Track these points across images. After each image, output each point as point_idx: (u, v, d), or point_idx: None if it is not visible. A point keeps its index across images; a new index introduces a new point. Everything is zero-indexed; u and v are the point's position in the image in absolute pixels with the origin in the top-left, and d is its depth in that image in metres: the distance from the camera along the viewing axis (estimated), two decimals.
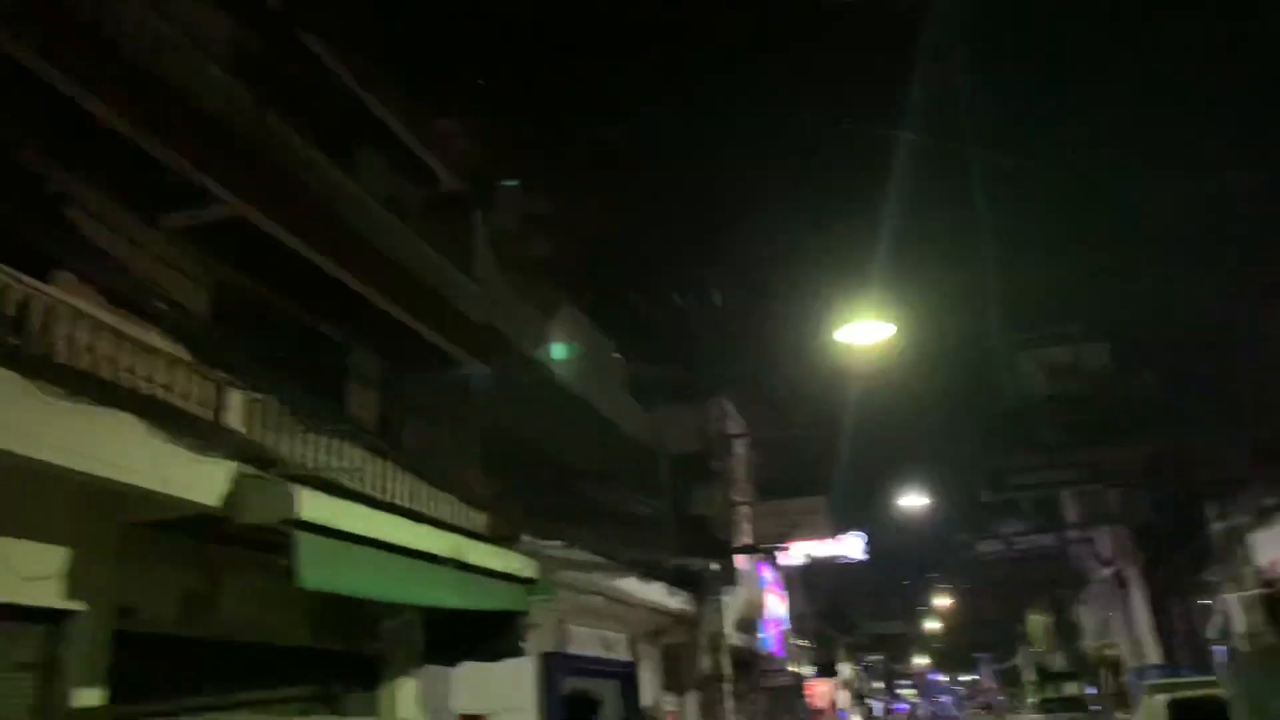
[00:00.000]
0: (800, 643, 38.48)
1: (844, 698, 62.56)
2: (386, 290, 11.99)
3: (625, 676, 21.75)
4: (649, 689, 22.39)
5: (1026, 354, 21.66)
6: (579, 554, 16.12)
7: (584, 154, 19.59)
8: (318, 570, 8.29)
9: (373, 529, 9.37)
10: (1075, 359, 20.71)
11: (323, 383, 12.08)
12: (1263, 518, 16.83)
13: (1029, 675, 57.67)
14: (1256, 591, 17.37)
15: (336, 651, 11.47)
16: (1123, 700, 36.58)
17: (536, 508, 14.77)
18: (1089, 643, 37.45)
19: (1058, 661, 47.78)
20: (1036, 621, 53.86)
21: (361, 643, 11.62)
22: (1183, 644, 24.52)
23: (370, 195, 12.54)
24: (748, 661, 29.69)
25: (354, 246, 11.49)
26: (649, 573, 20.27)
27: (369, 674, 12.39)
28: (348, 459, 10.05)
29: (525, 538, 13.35)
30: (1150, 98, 15.40)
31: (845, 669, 60.46)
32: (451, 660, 13.23)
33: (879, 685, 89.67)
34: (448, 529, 11.24)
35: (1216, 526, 18.20)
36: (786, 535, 23.47)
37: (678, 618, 22.28)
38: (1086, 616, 36.25)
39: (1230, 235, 16.78)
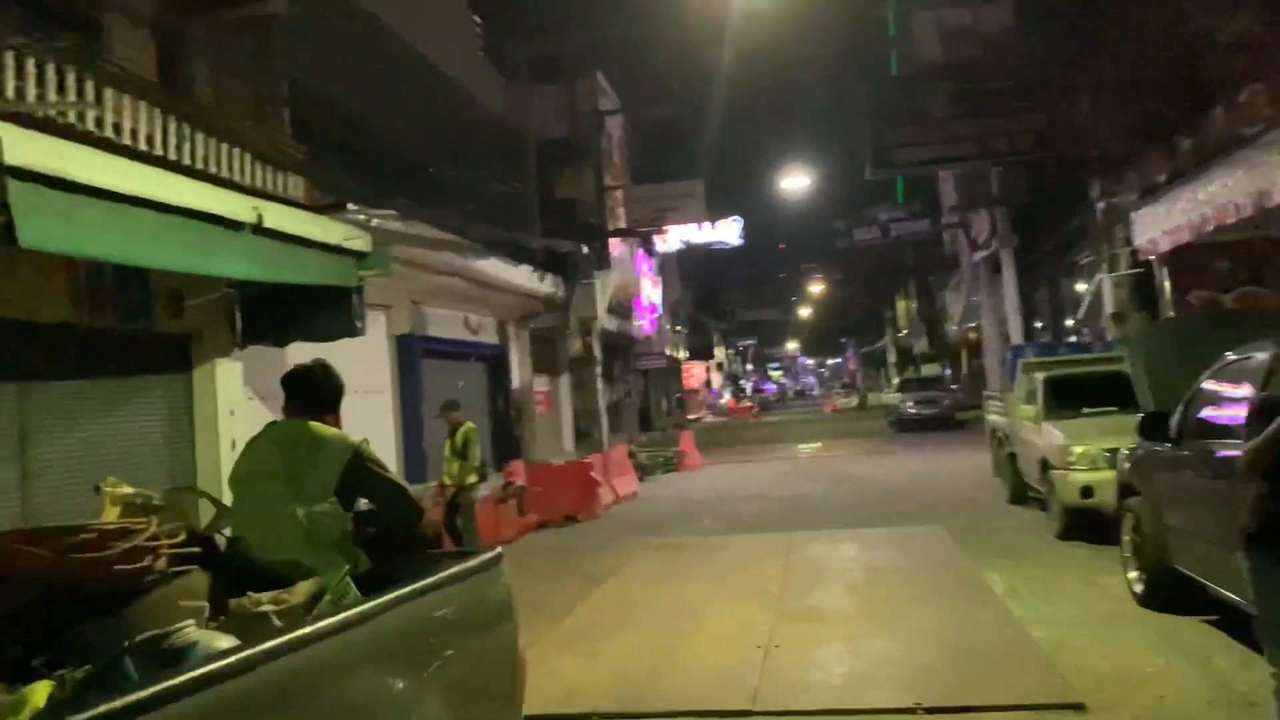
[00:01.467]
0: (676, 328, 38.78)
1: (717, 379, 65.34)
2: None
3: (493, 360, 21.04)
4: (518, 372, 21.82)
5: (922, 15, 19.81)
6: (428, 231, 14.49)
7: None
8: (46, 226, 6.50)
9: (136, 185, 7.46)
10: (974, 22, 18.98)
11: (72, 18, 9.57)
12: (1146, 196, 16.25)
13: (892, 357, 60.89)
14: (1130, 271, 17.20)
15: (137, 333, 9.91)
16: (980, 379, 38.73)
17: (373, 177, 12.89)
18: (952, 326, 38.81)
19: (921, 344, 50.11)
20: (904, 307, 55.99)
21: (159, 322, 10.03)
22: (1048, 325, 25.16)
23: None
24: (623, 345, 29.58)
25: None
26: (514, 255, 18.94)
27: (180, 357, 11.00)
28: (111, 110, 7.93)
29: (353, 208, 11.59)
30: None
31: (719, 353, 62.62)
32: (279, 341, 11.84)
33: (751, 368, 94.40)
34: (249, 193, 9.37)
35: (1099, 205, 17.70)
36: (661, 219, 22.24)
37: (548, 302, 21.30)
38: (953, 301, 37.25)
39: None
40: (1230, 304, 17.16)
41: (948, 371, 45.15)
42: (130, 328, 9.73)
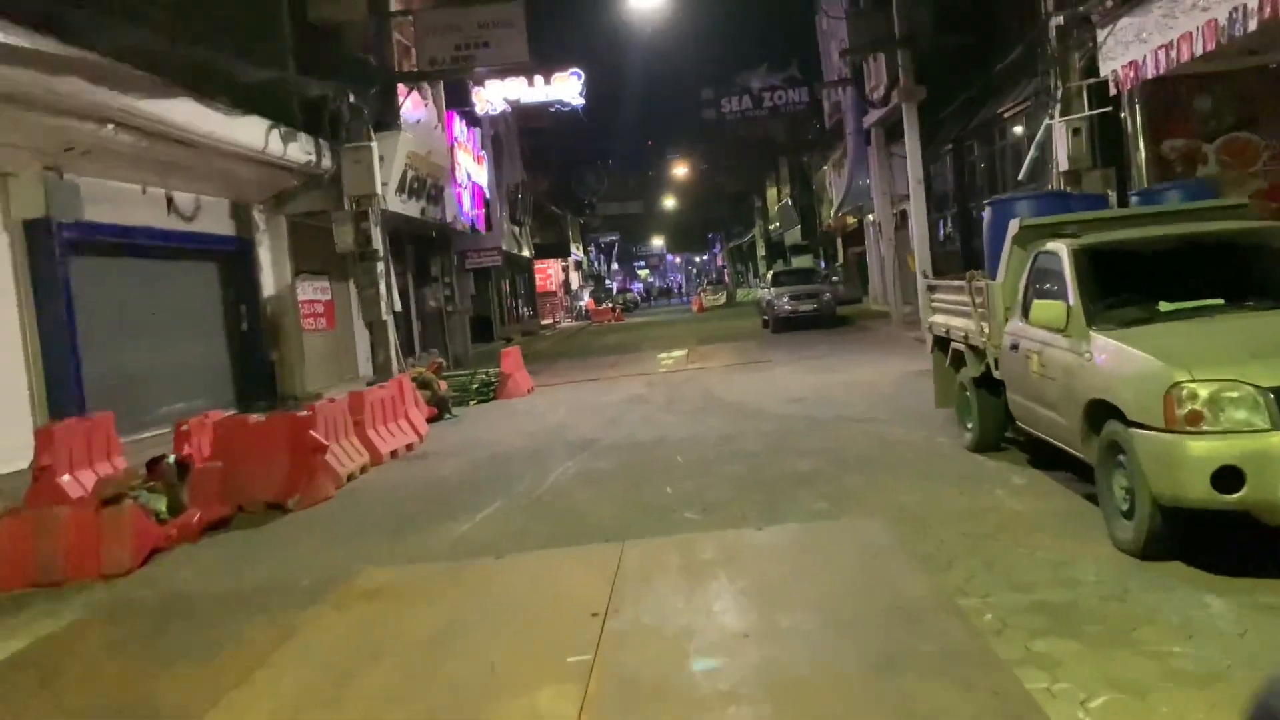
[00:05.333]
0: (519, 220, 33.08)
1: (576, 279, 60.03)
2: None
3: (229, 257, 15.18)
4: (272, 273, 16.02)
5: None
6: (21, 39, 8.58)
7: None
8: None
9: None
10: None
11: None
12: (1121, 8, 11.54)
13: (762, 250, 56.72)
14: (1093, 112, 12.66)
15: None
16: (858, 270, 34.58)
17: None
18: (830, 211, 34.40)
19: (793, 235, 45.83)
20: (774, 195, 51.53)
21: None
22: (960, 196, 20.75)
23: None
24: (439, 238, 23.86)
25: None
26: (245, 102, 13.00)
27: None
28: None
29: None
30: None
31: (577, 250, 57.13)
32: None
33: (615, 267, 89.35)
34: None
35: (1054, 20, 12.99)
36: (470, 59, 16.45)
37: (307, 174, 15.46)
38: (833, 183, 32.73)
39: None
40: (1216, 154, 13.15)
41: (823, 264, 41.07)
42: None
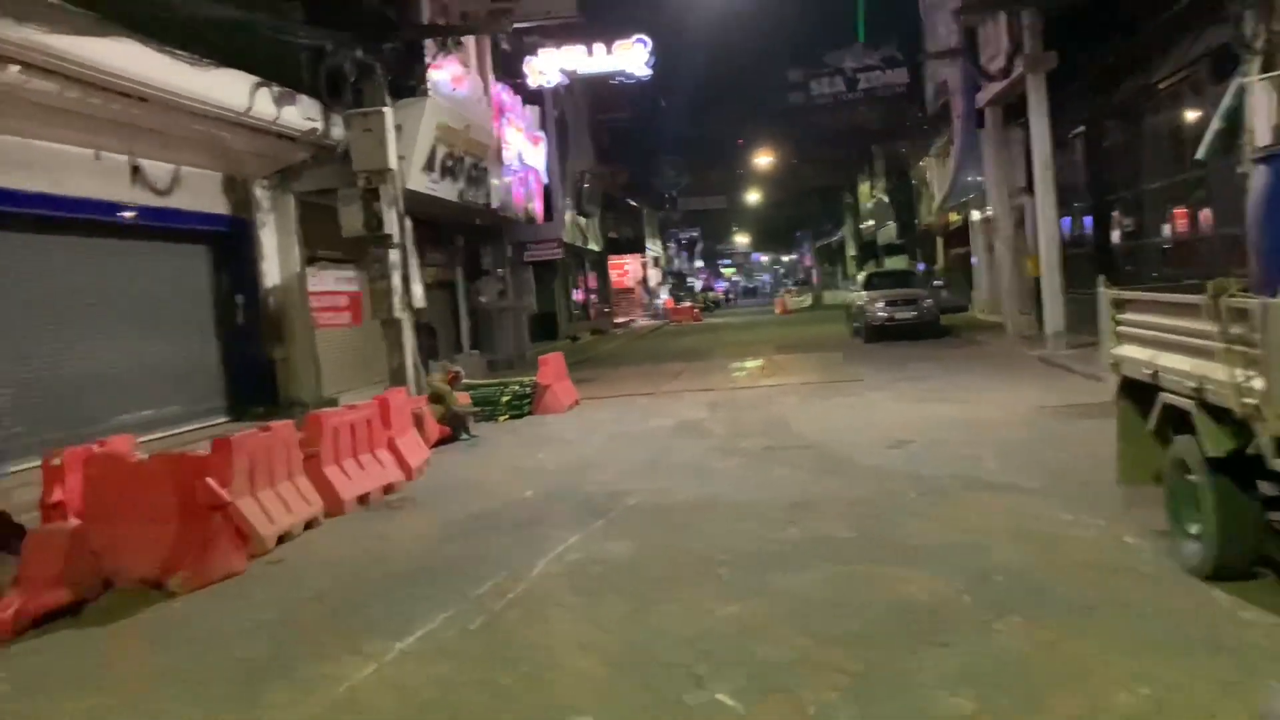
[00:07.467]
0: (586, 210, 30.55)
1: (655, 276, 57.39)
2: None
3: (221, 239, 12.90)
4: (278, 260, 13.71)
5: None
6: None
7: None
8: None
9: None
10: None
11: None
12: None
13: (852, 250, 53.27)
14: None
15: None
16: (960, 273, 31.13)
17: None
18: (933, 207, 30.99)
19: (887, 233, 42.38)
20: (867, 190, 48.08)
21: None
22: (1095, 189, 17.36)
23: None
24: (487, 226, 21.43)
25: None
26: (228, 52, 10.66)
27: None
28: None
29: None
30: None
31: (655, 246, 54.49)
32: None
33: (700, 264, 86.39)
34: None
35: None
36: (508, 12, 13.92)
37: (317, 145, 13.10)
38: (935, 176, 29.34)
39: None
40: None
41: (921, 266, 37.58)
42: None
